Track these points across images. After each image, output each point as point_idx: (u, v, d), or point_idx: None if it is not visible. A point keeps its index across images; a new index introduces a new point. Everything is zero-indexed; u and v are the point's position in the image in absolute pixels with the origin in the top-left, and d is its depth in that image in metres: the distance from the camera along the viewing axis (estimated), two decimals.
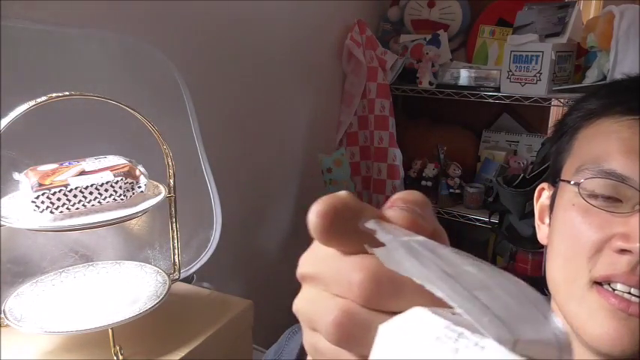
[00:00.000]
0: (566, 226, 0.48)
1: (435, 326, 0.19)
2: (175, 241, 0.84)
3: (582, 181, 0.46)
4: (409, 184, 1.95)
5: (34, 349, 0.74)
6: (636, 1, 1.45)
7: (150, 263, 0.87)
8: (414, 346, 0.19)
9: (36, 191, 0.65)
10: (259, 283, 1.68)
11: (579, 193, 0.46)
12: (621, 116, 0.46)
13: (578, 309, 0.46)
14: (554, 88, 1.61)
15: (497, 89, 1.72)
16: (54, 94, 0.66)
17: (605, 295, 0.43)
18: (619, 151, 0.45)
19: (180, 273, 0.86)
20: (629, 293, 0.42)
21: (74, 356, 0.74)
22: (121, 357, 0.71)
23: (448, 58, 1.89)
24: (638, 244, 0.41)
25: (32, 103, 0.64)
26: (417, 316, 0.20)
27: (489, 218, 1.76)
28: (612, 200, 0.45)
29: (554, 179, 0.52)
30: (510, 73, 1.66)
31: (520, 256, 1.65)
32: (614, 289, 0.43)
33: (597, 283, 0.44)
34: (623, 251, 0.42)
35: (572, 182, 0.48)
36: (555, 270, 0.49)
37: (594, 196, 0.45)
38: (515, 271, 1.65)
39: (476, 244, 2.08)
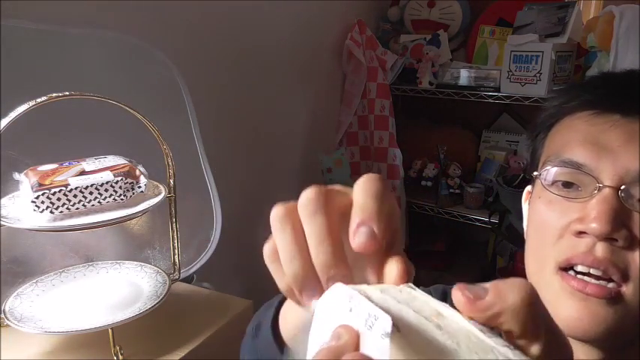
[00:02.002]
0: (534, 218, 0.51)
1: (341, 294, 0.25)
2: (175, 241, 0.84)
3: (544, 171, 0.49)
4: (409, 184, 1.95)
5: (34, 349, 0.74)
6: (636, 1, 1.45)
7: (150, 263, 0.87)
8: (328, 312, 0.25)
9: (36, 191, 0.65)
10: (259, 283, 1.68)
11: (541, 183, 0.49)
12: (579, 111, 0.49)
13: (547, 295, 0.48)
14: (554, 88, 1.61)
15: (497, 89, 1.72)
16: (54, 94, 0.66)
17: (566, 279, 0.45)
18: (576, 141, 0.47)
19: (180, 273, 0.86)
20: (589, 274, 0.44)
21: (74, 356, 0.74)
22: (121, 357, 0.71)
23: (448, 58, 1.89)
24: (592, 225, 0.43)
25: (32, 103, 0.64)
26: (334, 289, 0.26)
27: (489, 218, 1.76)
28: (573, 188, 0.47)
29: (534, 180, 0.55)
30: (510, 73, 1.66)
31: (520, 256, 1.65)
32: (576, 272, 0.45)
33: (562, 269, 0.46)
34: (580, 233, 0.45)
35: (534, 174, 0.52)
36: (528, 262, 0.52)
37: (556, 185, 0.48)
38: (515, 270, 1.66)
39: (476, 244, 2.08)
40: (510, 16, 1.77)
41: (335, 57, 1.90)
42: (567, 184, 0.47)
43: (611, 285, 0.43)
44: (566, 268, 0.46)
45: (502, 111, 1.99)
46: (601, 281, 0.44)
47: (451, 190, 1.87)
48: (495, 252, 1.80)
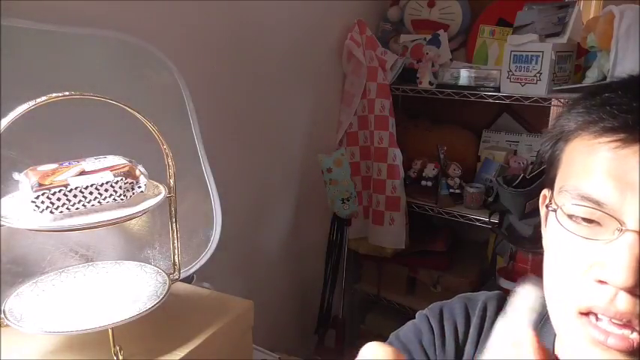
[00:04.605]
0: (553, 253, 0.47)
1: None
2: (175, 241, 0.84)
3: (561, 206, 0.45)
4: (409, 184, 1.95)
5: (34, 349, 0.74)
6: (636, 1, 1.45)
7: (150, 263, 0.87)
8: None
9: (36, 191, 0.65)
10: (259, 283, 1.68)
11: (558, 220, 0.46)
12: (600, 135, 0.44)
13: (567, 339, 0.46)
14: (554, 88, 1.61)
15: (497, 89, 1.72)
16: (54, 94, 0.66)
17: (586, 327, 0.43)
18: (598, 173, 0.43)
19: (180, 273, 0.86)
20: (612, 322, 0.42)
21: (74, 356, 0.74)
22: (121, 357, 0.71)
23: (448, 58, 1.89)
24: (614, 276, 0.40)
25: (32, 103, 0.64)
26: None
27: (489, 218, 1.76)
28: (594, 224, 0.43)
29: (551, 186, 0.51)
30: (510, 73, 1.66)
31: (520, 256, 1.65)
32: (597, 318, 0.43)
33: (582, 313, 0.43)
34: (601, 281, 0.41)
35: (550, 208, 0.47)
36: (548, 297, 0.49)
37: (575, 220, 0.44)
38: (515, 270, 1.65)
39: (476, 244, 2.08)
40: (510, 16, 1.77)
41: (335, 57, 1.90)
42: (588, 219, 0.43)
43: (633, 336, 0.41)
44: (588, 313, 0.43)
45: (502, 111, 1.99)
46: (624, 330, 0.41)
47: (451, 190, 1.87)
48: (495, 252, 1.80)
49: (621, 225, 0.41)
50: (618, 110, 0.43)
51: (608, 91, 0.46)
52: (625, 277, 0.39)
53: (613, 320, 0.41)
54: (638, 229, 0.40)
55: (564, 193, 0.45)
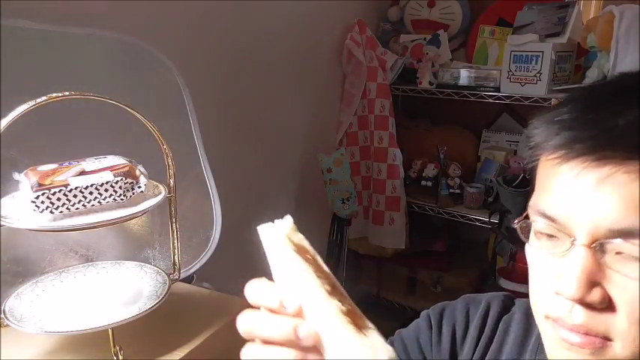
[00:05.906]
0: (529, 265, 0.49)
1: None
2: (175, 241, 0.84)
3: (525, 223, 0.48)
4: (409, 184, 1.95)
5: (34, 349, 0.74)
6: (636, 1, 1.45)
7: (150, 263, 0.87)
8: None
9: (36, 191, 0.65)
10: None
11: (524, 235, 0.48)
12: (550, 152, 0.45)
13: (543, 339, 0.48)
14: (554, 88, 1.61)
15: (497, 89, 1.72)
16: (54, 94, 0.66)
17: (555, 327, 0.45)
18: (550, 190, 0.44)
19: (180, 273, 0.86)
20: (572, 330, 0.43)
21: (74, 356, 0.74)
22: (121, 357, 0.71)
23: (448, 58, 1.89)
24: (564, 288, 0.41)
25: (32, 103, 0.64)
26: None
27: (489, 218, 1.76)
28: (554, 238, 0.45)
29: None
30: (510, 73, 1.66)
31: (520, 256, 1.65)
32: None
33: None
34: (558, 293, 0.43)
35: (516, 225, 0.49)
36: (530, 300, 0.51)
37: (539, 235, 0.46)
38: (516, 271, 1.65)
39: (476, 244, 2.08)
40: (510, 16, 1.77)
41: (335, 57, 1.90)
42: (549, 234, 0.45)
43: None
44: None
45: (502, 111, 1.99)
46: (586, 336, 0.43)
47: (451, 190, 1.87)
48: (495, 252, 1.80)
49: (572, 239, 0.42)
50: (561, 127, 0.44)
51: (562, 105, 0.46)
52: (574, 289, 0.41)
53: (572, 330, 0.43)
54: (586, 243, 0.41)
55: (530, 209, 0.47)
